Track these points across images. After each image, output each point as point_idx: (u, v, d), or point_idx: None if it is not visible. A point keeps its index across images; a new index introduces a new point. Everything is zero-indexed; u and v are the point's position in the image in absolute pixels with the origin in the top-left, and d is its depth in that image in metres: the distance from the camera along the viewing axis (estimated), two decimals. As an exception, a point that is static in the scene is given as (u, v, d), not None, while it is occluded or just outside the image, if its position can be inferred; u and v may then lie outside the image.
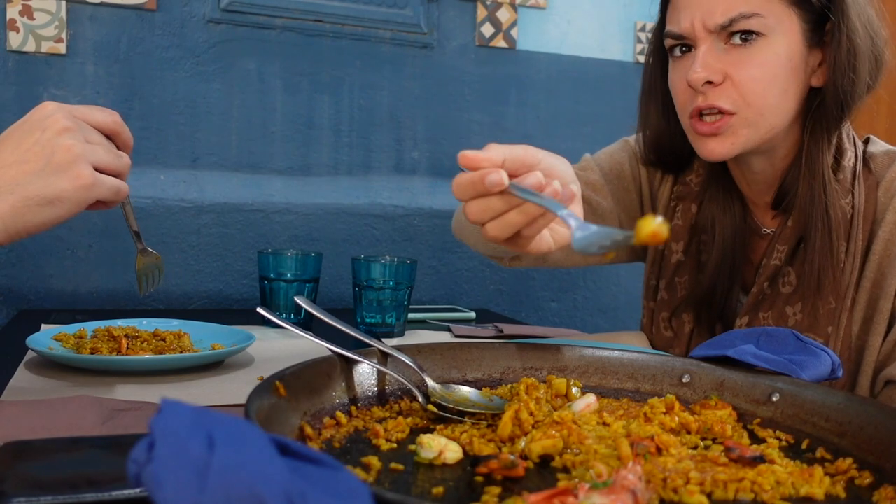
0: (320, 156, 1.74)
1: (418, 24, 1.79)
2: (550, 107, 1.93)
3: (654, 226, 0.58)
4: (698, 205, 1.14)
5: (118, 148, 0.81)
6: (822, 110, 0.99)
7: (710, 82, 0.97)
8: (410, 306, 1.35)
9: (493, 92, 1.88)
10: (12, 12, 1.51)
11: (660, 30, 1.07)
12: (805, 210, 1.01)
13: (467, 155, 0.71)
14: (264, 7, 1.67)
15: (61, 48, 1.54)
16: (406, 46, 1.79)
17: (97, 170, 0.75)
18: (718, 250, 1.09)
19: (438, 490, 0.55)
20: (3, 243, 0.72)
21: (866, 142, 1.08)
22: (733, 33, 0.96)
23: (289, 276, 1.31)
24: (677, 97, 1.04)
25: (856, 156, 1.03)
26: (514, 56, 1.89)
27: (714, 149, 0.99)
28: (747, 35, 0.96)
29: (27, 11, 1.51)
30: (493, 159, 0.71)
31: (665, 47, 1.06)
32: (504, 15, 1.86)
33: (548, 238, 0.79)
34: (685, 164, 1.17)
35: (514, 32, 1.87)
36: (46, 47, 1.53)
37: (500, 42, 1.86)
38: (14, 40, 1.51)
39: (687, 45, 1.01)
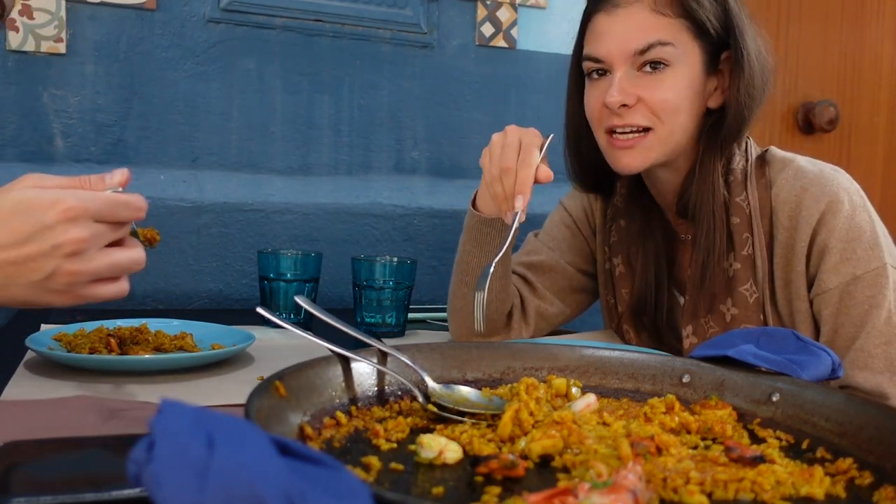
0: (320, 156, 1.74)
1: (418, 23, 1.79)
2: (550, 107, 1.92)
3: None
4: (624, 219, 1.24)
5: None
6: (718, 128, 1.10)
7: (624, 105, 1.07)
8: (410, 306, 1.35)
9: (493, 92, 1.87)
10: (12, 12, 1.51)
11: (577, 53, 1.16)
12: (697, 212, 1.11)
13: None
14: (264, 7, 1.67)
15: (61, 48, 1.54)
16: (406, 46, 1.79)
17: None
18: (644, 261, 1.19)
19: (438, 490, 0.55)
20: None
21: (766, 150, 1.17)
22: (645, 62, 1.07)
23: (289, 275, 1.31)
24: (593, 115, 1.13)
25: (746, 159, 1.13)
26: (514, 56, 1.89)
27: (628, 163, 1.10)
28: (657, 64, 1.06)
29: (27, 11, 1.51)
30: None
31: (582, 70, 1.14)
32: (504, 14, 1.86)
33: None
34: (612, 185, 1.25)
35: (514, 32, 1.87)
36: (46, 47, 1.53)
37: (500, 42, 1.86)
38: (14, 40, 1.51)
39: (603, 70, 1.10)
